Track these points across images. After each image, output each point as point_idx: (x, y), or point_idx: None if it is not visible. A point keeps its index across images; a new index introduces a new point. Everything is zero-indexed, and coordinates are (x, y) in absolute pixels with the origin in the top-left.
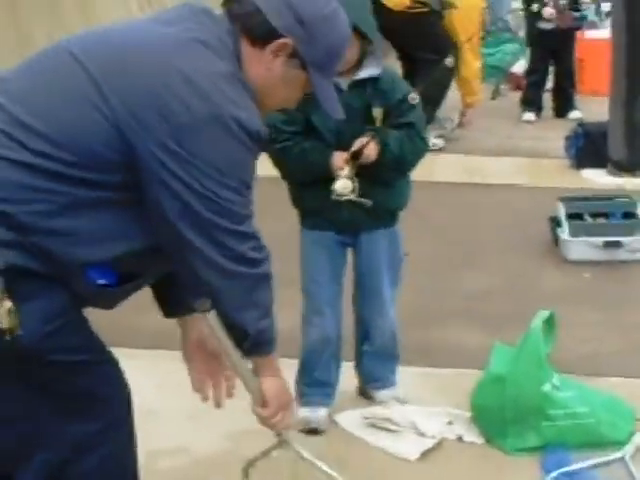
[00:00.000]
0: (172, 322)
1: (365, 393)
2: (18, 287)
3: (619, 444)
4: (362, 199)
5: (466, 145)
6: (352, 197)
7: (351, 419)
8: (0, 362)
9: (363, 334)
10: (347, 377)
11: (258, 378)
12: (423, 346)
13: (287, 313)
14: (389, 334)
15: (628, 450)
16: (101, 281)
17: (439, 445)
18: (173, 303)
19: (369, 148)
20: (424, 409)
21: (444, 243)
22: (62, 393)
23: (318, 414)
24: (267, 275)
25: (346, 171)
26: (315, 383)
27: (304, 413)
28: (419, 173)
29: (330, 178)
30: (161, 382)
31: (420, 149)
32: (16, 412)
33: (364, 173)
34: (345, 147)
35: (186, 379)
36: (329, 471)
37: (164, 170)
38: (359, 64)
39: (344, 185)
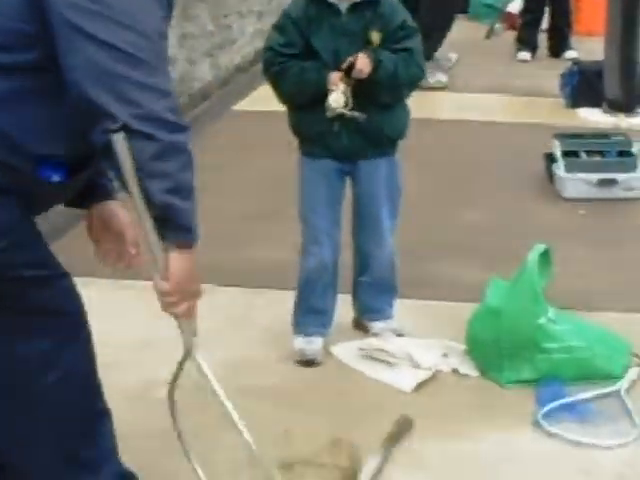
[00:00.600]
0: None
1: (361, 325)
2: None
3: (614, 378)
4: (355, 112)
5: (462, 83)
6: (345, 111)
7: (347, 351)
8: None
9: (361, 265)
10: (343, 310)
11: (166, 252)
12: (419, 279)
13: (285, 246)
14: (387, 265)
15: (623, 384)
16: (55, 178)
17: (434, 377)
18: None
19: (361, 62)
20: (420, 341)
21: (440, 179)
22: (21, 310)
23: (313, 345)
24: (182, 146)
25: (340, 87)
26: (311, 311)
27: (300, 344)
28: (415, 110)
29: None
30: (157, 312)
31: (415, 74)
32: None
33: (359, 92)
34: None
35: None
36: (222, 396)
37: (71, 29)
38: None
39: (336, 98)
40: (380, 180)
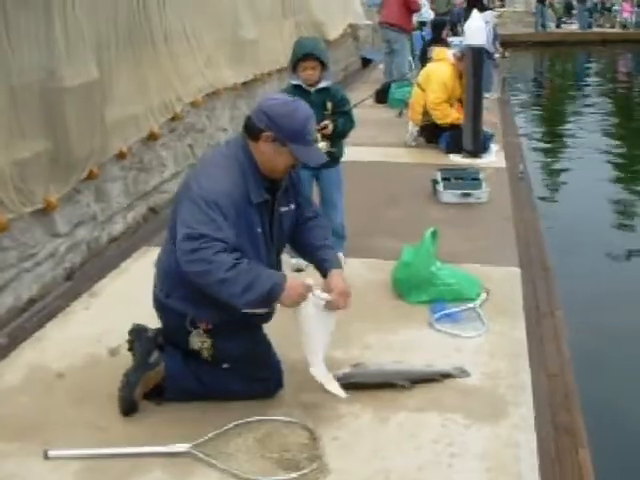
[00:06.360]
0: None
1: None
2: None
3: (472, 299)
4: (331, 149)
5: (384, 141)
6: (328, 149)
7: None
8: None
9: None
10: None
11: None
12: (365, 247)
13: None
14: (339, 223)
15: (477, 303)
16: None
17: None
18: None
19: (329, 127)
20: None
21: (375, 194)
22: None
23: (300, 261)
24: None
25: (320, 137)
26: None
27: (294, 261)
28: (354, 156)
29: None
30: None
31: (352, 126)
32: None
33: (329, 137)
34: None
35: None
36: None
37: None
38: (320, 80)
39: (322, 144)
40: (334, 177)
